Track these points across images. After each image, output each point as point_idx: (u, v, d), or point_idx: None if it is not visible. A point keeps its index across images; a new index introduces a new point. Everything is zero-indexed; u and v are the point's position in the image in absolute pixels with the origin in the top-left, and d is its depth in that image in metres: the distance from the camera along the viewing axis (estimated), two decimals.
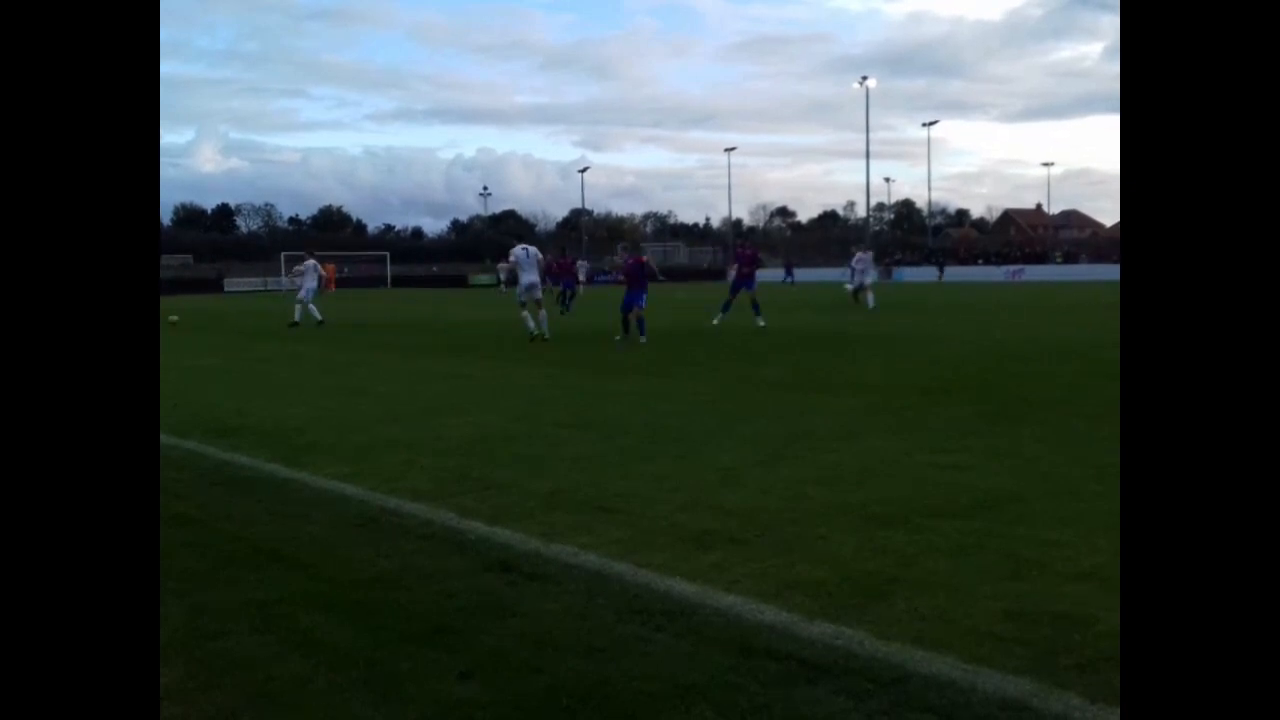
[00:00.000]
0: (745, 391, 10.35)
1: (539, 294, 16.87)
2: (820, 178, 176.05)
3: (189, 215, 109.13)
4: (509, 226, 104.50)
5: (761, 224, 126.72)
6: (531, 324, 16.78)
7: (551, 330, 17.46)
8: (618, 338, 16.91)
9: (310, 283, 23.49)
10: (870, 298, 26.35)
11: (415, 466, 6.62)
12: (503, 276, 35.11)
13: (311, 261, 23.98)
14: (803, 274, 60.94)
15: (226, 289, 63.53)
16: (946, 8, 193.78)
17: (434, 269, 76.27)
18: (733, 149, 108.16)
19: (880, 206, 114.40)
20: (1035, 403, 9.12)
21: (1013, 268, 62.27)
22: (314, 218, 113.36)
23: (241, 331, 22.92)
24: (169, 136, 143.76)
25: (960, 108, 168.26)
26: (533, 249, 17.34)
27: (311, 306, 22.81)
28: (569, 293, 27.15)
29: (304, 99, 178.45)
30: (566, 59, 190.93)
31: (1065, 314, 23.37)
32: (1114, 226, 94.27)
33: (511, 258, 17.08)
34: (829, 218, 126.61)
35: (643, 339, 16.50)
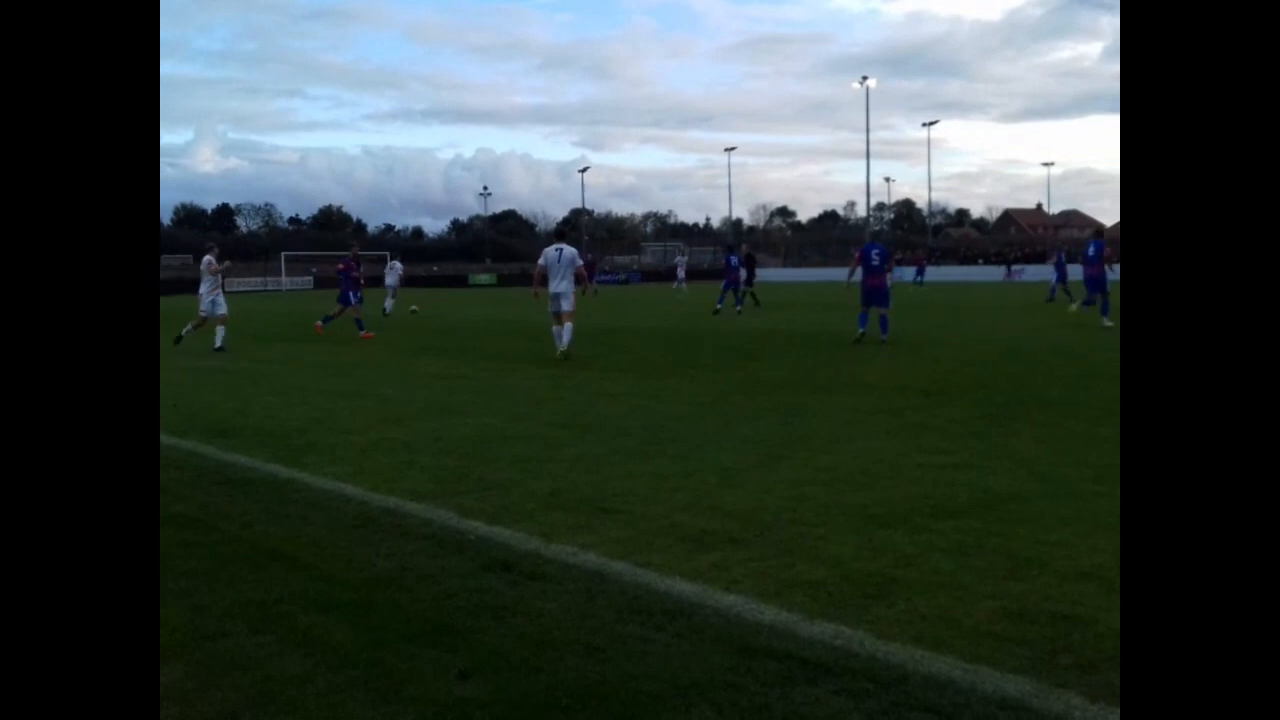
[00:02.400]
0: (745, 391, 10.35)
1: (565, 305, 13.65)
2: (820, 178, 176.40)
3: (189, 215, 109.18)
4: (509, 226, 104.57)
5: (761, 224, 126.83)
6: (560, 341, 13.79)
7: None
8: (861, 334, 15.65)
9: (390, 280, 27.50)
10: None
11: (415, 466, 6.62)
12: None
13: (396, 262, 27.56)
14: (802, 274, 60.64)
15: (226, 289, 63.50)
16: (945, 7, 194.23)
17: (434, 269, 76.27)
18: (732, 149, 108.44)
19: (880, 206, 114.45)
20: (1035, 403, 9.12)
21: (1013, 268, 62.27)
22: (314, 218, 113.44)
23: (241, 332, 22.91)
24: (167, 137, 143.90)
25: (960, 108, 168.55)
26: (569, 249, 13.78)
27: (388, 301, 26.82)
28: (738, 292, 26.73)
29: (302, 99, 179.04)
30: (565, 59, 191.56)
31: (1065, 314, 23.35)
32: (1114, 226, 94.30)
33: (541, 260, 13.94)
34: (829, 218, 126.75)
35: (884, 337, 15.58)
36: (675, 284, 43.80)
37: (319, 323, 19.75)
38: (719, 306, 25.86)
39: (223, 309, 17.07)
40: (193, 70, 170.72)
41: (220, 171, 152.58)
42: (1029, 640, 3.43)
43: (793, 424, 8.07)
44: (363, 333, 19.07)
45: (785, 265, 77.25)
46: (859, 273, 16.20)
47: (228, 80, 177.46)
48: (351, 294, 19.61)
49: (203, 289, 17.13)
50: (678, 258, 51.58)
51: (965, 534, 4.72)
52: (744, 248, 32.68)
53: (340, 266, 20.66)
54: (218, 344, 16.47)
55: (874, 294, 15.82)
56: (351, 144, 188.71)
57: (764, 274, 60.57)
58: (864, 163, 79.78)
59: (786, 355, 14.41)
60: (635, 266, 78.85)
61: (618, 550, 4.58)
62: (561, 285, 13.68)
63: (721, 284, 27.18)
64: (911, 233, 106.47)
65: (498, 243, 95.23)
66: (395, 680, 3.21)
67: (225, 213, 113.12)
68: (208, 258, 17.35)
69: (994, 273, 61.43)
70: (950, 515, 5.06)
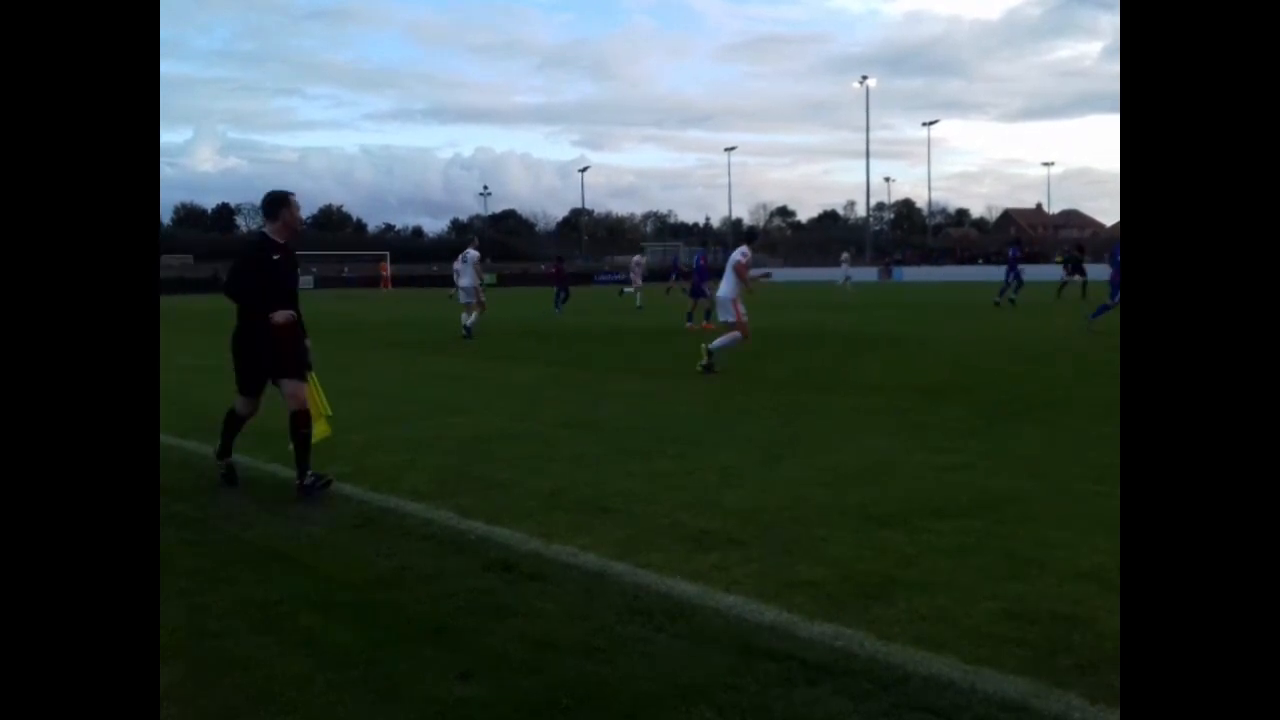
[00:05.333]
0: (745, 391, 10.35)
1: (720, 313, 12.49)
2: (820, 177, 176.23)
3: (189, 215, 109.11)
4: (509, 226, 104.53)
5: (761, 223, 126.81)
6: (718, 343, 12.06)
7: None
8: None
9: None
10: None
11: (415, 466, 6.62)
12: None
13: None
14: (802, 274, 60.39)
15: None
16: (944, 7, 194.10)
17: (434, 268, 76.20)
18: (732, 149, 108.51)
19: (880, 206, 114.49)
20: (1035, 403, 9.12)
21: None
22: (314, 217, 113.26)
23: None
24: (166, 136, 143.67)
25: (959, 107, 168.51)
26: (740, 249, 12.56)
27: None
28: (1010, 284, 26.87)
29: (301, 98, 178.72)
30: (564, 58, 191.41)
31: (1065, 314, 23.36)
32: (1114, 226, 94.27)
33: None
34: (829, 217, 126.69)
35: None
36: (843, 280, 45.17)
37: (689, 324, 20.21)
38: (1001, 301, 26.34)
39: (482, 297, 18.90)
40: (192, 69, 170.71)
41: (219, 171, 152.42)
42: (1029, 640, 3.43)
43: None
44: (691, 324, 19.82)
45: (785, 265, 77.25)
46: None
47: (227, 80, 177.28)
48: (704, 287, 20.24)
49: (473, 281, 18.58)
50: (844, 254, 52.79)
51: (965, 534, 4.72)
52: (1017, 239, 33.23)
53: (699, 262, 21.53)
54: (472, 325, 18.19)
55: (1116, 287, 17.78)
56: (351, 143, 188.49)
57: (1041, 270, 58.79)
58: (864, 162, 79.89)
59: (787, 355, 14.41)
60: (549, 269, 78.76)
61: (618, 550, 4.58)
62: (721, 288, 12.46)
63: (1006, 276, 27.74)
64: (911, 232, 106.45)
65: (498, 242, 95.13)
66: (395, 680, 3.21)
67: (225, 212, 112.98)
68: (476, 252, 18.97)
69: (996, 273, 61.12)
70: (950, 515, 5.06)
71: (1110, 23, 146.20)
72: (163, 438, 7.50)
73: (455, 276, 19.79)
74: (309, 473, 5.90)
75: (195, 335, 21.41)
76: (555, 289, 29.10)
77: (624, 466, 6.46)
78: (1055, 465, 6.29)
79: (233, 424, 6.25)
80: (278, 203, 6.04)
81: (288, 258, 6.07)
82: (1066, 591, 3.91)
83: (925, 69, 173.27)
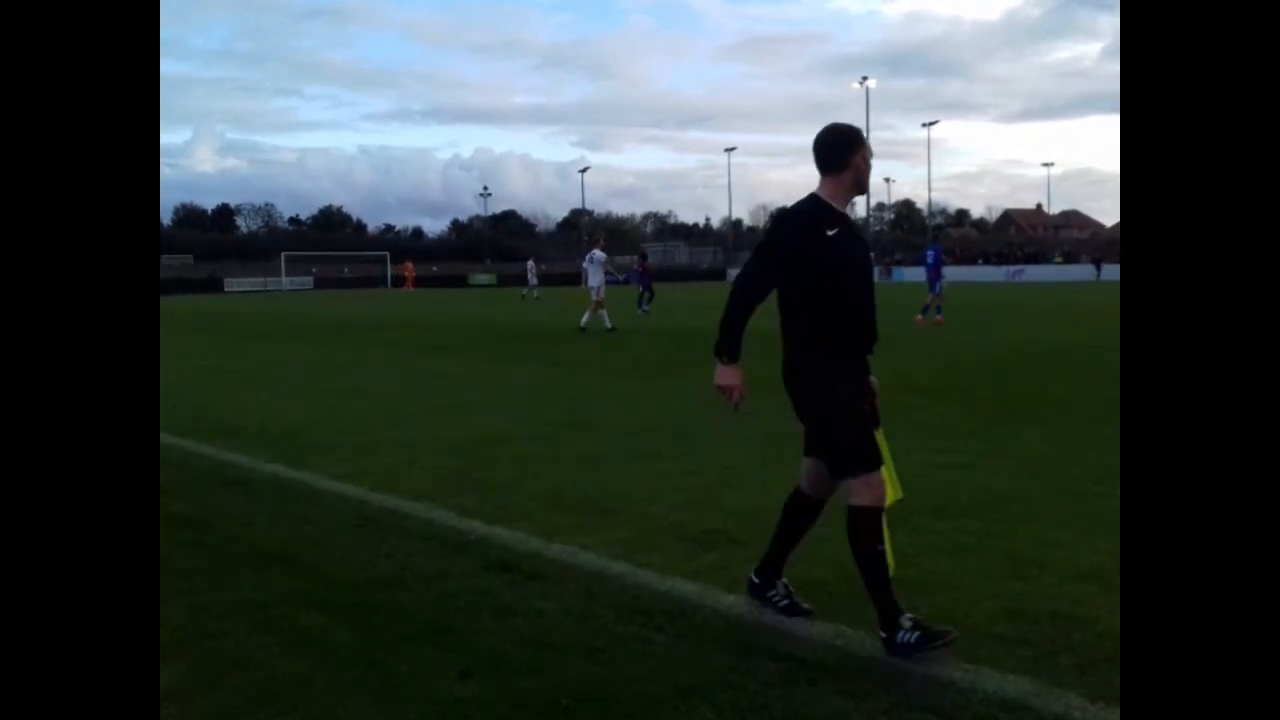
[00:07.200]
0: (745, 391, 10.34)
1: None
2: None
3: (189, 215, 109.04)
4: (509, 226, 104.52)
5: (761, 224, 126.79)
6: None
7: None
8: None
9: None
10: None
11: (415, 466, 6.62)
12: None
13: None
14: None
15: (227, 289, 63.52)
16: (944, 8, 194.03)
17: (434, 269, 76.22)
18: (732, 149, 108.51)
19: (880, 206, 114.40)
20: (1035, 403, 9.12)
21: (1013, 268, 62.27)
22: (314, 218, 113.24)
23: (241, 332, 22.92)
24: (165, 136, 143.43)
25: (959, 108, 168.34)
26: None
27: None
28: None
29: (300, 98, 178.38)
30: (564, 58, 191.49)
31: (1065, 314, 23.37)
32: (1114, 226, 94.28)
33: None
34: None
35: None
36: (937, 288, 45.06)
37: (919, 316, 20.81)
38: None
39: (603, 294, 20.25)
40: (190, 69, 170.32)
41: (218, 171, 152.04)
42: (1029, 640, 3.43)
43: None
44: (938, 317, 20.42)
45: None
46: None
47: (226, 80, 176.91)
48: (936, 283, 21.23)
49: (600, 280, 20.38)
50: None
51: (965, 534, 4.72)
52: None
53: (936, 256, 22.12)
54: (587, 323, 19.44)
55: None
56: (350, 144, 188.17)
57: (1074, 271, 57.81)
58: None
59: None
60: (635, 267, 78.94)
61: (618, 550, 4.59)
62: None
63: None
64: (911, 233, 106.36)
65: (498, 243, 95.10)
66: (395, 680, 3.21)
67: (225, 213, 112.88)
68: (603, 253, 21.10)
69: (995, 273, 61.17)
70: (950, 515, 5.06)
71: (1110, 23, 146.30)
72: (163, 438, 7.50)
73: (584, 276, 21.35)
74: (905, 617, 3.36)
75: (195, 335, 21.42)
76: (640, 288, 27.54)
77: (624, 467, 6.46)
78: (1055, 465, 6.29)
79: (798, 517, 3.86)
80: (847, 143, 3.62)
81: (849, 232, 3.64)
82: (1066, 591, 3.91)
83: (925, 69, 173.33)
